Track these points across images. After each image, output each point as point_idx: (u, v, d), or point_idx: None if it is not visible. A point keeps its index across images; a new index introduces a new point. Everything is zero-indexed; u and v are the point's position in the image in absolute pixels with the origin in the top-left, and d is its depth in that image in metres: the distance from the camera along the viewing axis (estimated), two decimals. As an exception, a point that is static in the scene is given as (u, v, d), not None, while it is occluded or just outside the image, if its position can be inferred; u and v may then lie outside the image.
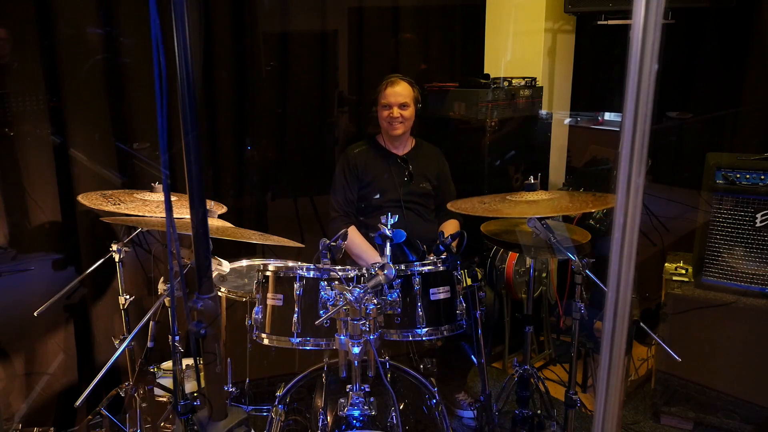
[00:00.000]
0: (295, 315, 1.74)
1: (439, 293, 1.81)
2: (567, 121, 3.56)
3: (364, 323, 1.57)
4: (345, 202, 2.65)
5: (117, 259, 2.09)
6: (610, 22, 2.97)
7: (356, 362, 1.60)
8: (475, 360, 2.09)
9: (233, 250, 2.60)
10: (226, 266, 1.98)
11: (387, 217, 1.81)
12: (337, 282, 1.70)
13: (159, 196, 2.06)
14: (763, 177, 2.32)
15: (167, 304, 1.81)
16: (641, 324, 1.96)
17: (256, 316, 1.83)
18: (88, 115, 2.44)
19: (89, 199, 1.98)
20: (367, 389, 1.67)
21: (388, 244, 1.76)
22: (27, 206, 2.37)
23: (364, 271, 1.75)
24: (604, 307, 0.68)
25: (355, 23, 3.16)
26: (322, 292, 1.73)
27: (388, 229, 1.77)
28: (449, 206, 2.08)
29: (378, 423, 1.65)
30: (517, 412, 2.29)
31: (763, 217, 2.34)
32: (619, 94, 0.63)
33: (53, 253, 2.45)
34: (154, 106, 0.94)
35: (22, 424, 2.34)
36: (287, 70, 2.99)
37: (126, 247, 2.10)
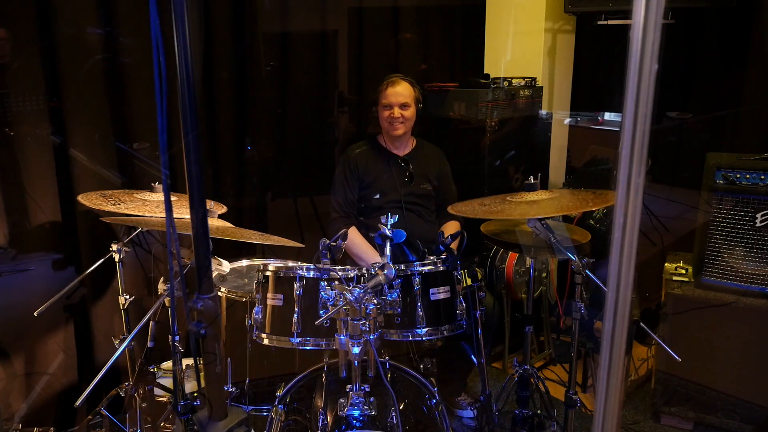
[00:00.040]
0: (295, 315, 1.74)
1: (439, 293, 1.81)
2: (567, 121, 3.56)
3: (364, 323, 1.57)
4: (345, 202, 2.65)
5: (117, 259, 2.08)
6: (610, 22, 2.97)
7: (356, 362, 1.60)
8: (475, 360, 2.09)
9: (233, 250, 2.60)
10: (226, 266, 1.98)
11: (387, 217, 1.81)
12: (337, 282, 1.70)
13: (159, 196, 2.06)
14: (763, 177, 2.32)
15: (167, 304, 1.81)
16: (641, 324, 1.96)
17: (256, 316, 1.83)
18: (88, 115, 2.44)
19: (89, 199, 1.98)
20: (367, 389, 1.67)
21: (388, 244, 1.76)
22: (27, 206, 2.37)
23: (364, 271, 1.75)
24: (604, 307, 0.68)
25: (355, 23, 3.16)
26: (322, 292, 1.73)
27: (388, 229, 1.77)
28: (450, 210, 2.07)
29: (378, 423, 1.65)
30: (517, 412, 2.29)
31: (763, 217, 2.34)
32: (619, 94, 0.63)
33: (53, 253, 2.45)
34: (154, 106, 0.94)
35: (22, 424, 2.34)
36: (287, 70, 2.99)
37: (126, 247, 2.10)
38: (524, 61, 3.41)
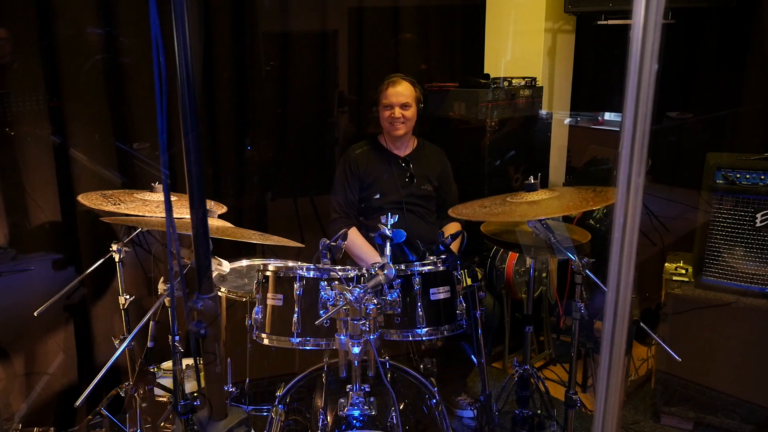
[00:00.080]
0: (295, 315, 1.74)
1: (439, 293, 1.81)
2: (567, 121, 3.56)
3: (364, 323, 1.57)
4: (346, 203, 2.64)
5: (117, 259, 2.09)
6: (610, 22, 2.97)
7: (356, 362, 1.60)
8: (475, 360, 2.09)
9: (233, 250, 2.60)
10: (226, 266, 1.98)
11: (387, 217, 1.81)
12: (337, 282, 1.70)
13: (159, 196, 2.06)
14: (763, 177, 2.32)
15: (167, 304, 1.81)
16: (641, 324, 1.96)
17: (256, 316, 1.83)
18: (88, 115, 2.44)
19: (89, 199, 1.99)
20: (367, 389, 1.68)
21: (388, 244, 1.76)
22: (27, 206, 2.37)
23: (364, 271, 1.75)
24: (604, 307, 0.68)
25: (355, 23, 3.16)
26: (322, 292, 1.73)
27: (388, 229, 1.77)
28: (450, 213, 2.07)
29: (378, 423, 1.65)
30: (517, 412, 2.29)
31: (763, 217, 2.34)
32: (619, 94, 0.63)
33: (53, 253, 2.45)
34: (154, 106, 0.94)
35: (22, 424, 2.34)
36: (287, 70, 2.99)
37: (126, 247, 2.10)
38: (524, 61, 3.41)
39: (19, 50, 2.28)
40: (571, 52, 3.50)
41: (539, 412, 2.32)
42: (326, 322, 1.65)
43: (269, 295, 1.81)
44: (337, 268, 1.77)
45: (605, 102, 3.47)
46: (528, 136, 3.29)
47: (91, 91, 2.43)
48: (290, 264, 2.06)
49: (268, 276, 1.83)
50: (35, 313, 2.02)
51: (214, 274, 2.01)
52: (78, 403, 1.65)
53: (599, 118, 3.54)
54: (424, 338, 1.82)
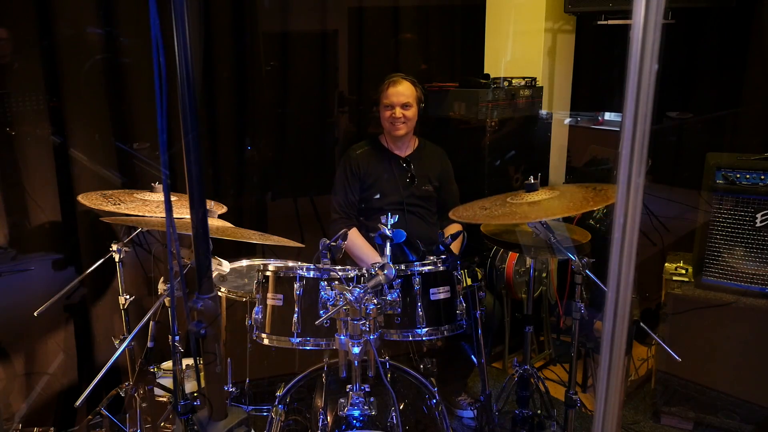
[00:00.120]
0: (295, 315, 1.74)
1: (439, 293, 1.81)
2: (567, 121, 3.56)
3: (364, 323, 1.57)
4: (346, 203, 2.64)
5: (117, 259, 2.09)
6: (610, 22, 2.97)
7: (356, 362, 1.60)
8: (475, 360, 2.09)
9: (233, 250, 2.60)
10: (226, 266, 1.98)
11: (387, 217, 1.81)
12: (337, 282, 1.70)
13: (159, 196, 2.06)
14: (763, 177, 2.32)
15: (167, 304, 1.81)
16: (641, 324, 1.96)
17: (256, 316, 1.83)
18: (88, 115, 2.44)
19: (89, 199, 1.99)
20: (367, 389, 1.67)
21: (388, 244, 1.76)
22: (27, 206, 2.37)
23: (364, 271, 1.75)
24: (604, 307, 0.68)
25: (355, 23, 3.16)
26: (322, 292, 1.73)
27: (388, 229, 1.77)
28: (451, 215, 2.07)
29: (378, 423, 1.65)
30: (517, 412, 2.29)
31: (763, 217, 2.34)
32: (619, 94, 0.63)
33: (53, 253, 2.45)
34: (154, 106, 0.94)
35: (22, 424, 2.34)
36: (287, 70, 2.99)
37: (126, 247, 2.10)
38: (524, 61, 3.41)
39: (19, 50, 2.28)
40: (571, 52, 3.50)
41: (539, 412, 2.32)
42: (326, 322, 1.65)
43: (269, 295, 1.81)
44: (337, 268, 1.77)
45: (605, 102, 3.47)
46: (528, 136, 3.29)
47: (91, 91, 2.43)
48: (290, 264, 2.06)
49: (268, 276, 1.83)
50: (35, 313, 2.02)
51: (214, 274, 2.01)
52: (78, 403, 1.65)
53: (599, 118, 3.54)
54: (424, 338, 1.82)
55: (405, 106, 2.57)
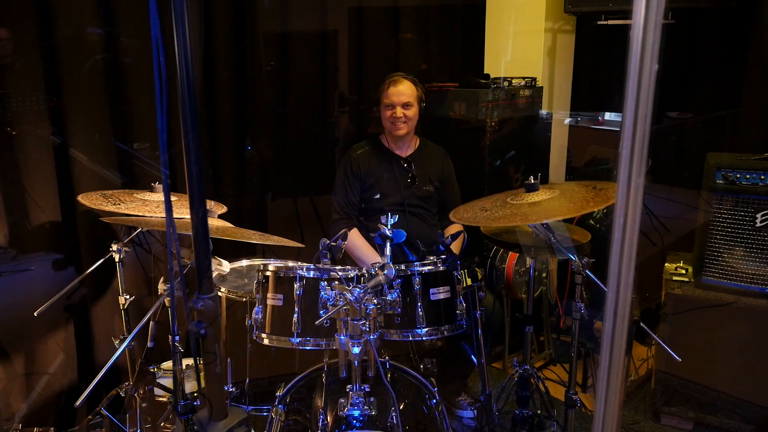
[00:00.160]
0: (295, 315, 1.74)
1: (439, 293, 1.81)
2: (567, 121, 3.56)
3: (364, 323, 1.57)
4: (347, 204, 2.63)
5: (117, 259, 2.09)
6: (610, 22, 2.97)
7: (356, 362, 1.60)
8: (475, 360, 2.09)
9: (233, 250, 2.60)
10: (226, 266, 1.98)
11: (387, 217, 1.81)
12: (337, 282, 1.70)
13: (159, 196, 2.06)
14: (763, 177, 2.32)
15: (167, 304, 1.81)
16: (641, 324, 1.96)
17: (256, 316, 1.83)
18: (88, 115, 2.44)
19: (89, 199, 1.99)
20: (367, 389, 1.67)
21: (388, 244, 1.76)
22: (27, 206, 2.37)
23: (364, 271, 1.75)
24: (604, 307, 0.68)
25: (355, 23, 3.16)
26: (322, 292, 1.73)
27: (388, 229, 1.77)
28: (451, 217, 2.06)
29: (378, 423, 1.65)
30: (517, 412, 2.29)
31: (763, 217, 2.34)
32: (619, 94, 0.63)
33: (53, 253, 2.45)
34: (154, 106, 0.94)
35: (22, 424, 2.34)
36: (287, 70, 2.99)
37: (126, 247, 2.10)
38: (524, 61, 3.41)
39: (20, 50, 2.28)
40: (571, 52, 3.50)
41: (539, 412, 2.32)
42: (326, 322, 1.65)
43: (269, 295, 1.81)
44: (337, 268, 1.77)
45: (605, 102, 3.47)
46: (528, 136, 3.29)
47: (91, 91, 2.43)
48: (290, 264, 2.06)
49: (268, 276, 1.83)
50: (35, 313, 2.02)
51: (214, 274, 2.01)
52: (78, 403, 1.65)
53: (599, 118, 3.54)
54: (424, 338, 1.82)
55: (406, 105, 2.57)
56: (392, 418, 1.68)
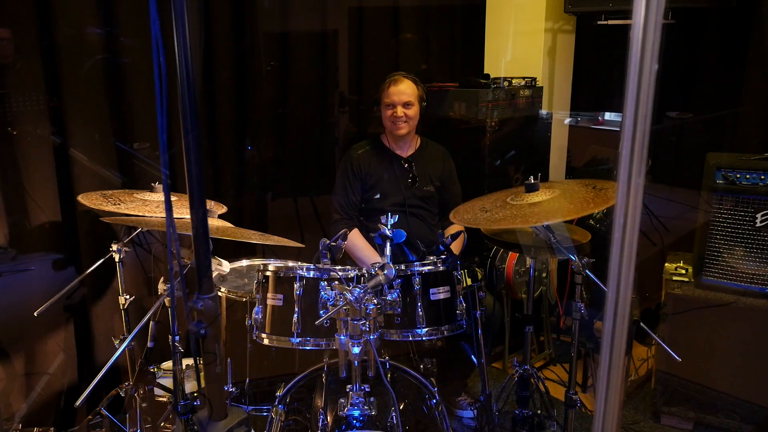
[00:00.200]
0: (295, 315, 1.74)
1: (439, 293, 1.81)
2: (567, 121, 3.56)
3: (364, 323, 1.57)
4: (347, 204, 2.63)
5: (117, 259, 2.09)
6: (610, 22, 2.97)
7: (356, 362, 1.60)
8: (475, 360, 2.09)
9: (233, 250, 2.60)
10: (226, 266, 1.98)
11: (387, 217, 1.81)
12: (337, 282, 1.70)
13: (159, 196, 2.06)
14: (763, 177, 2.32)
15: (167, 304, 1.81)
16: (641, 324, 1.96)
17: (256, 316, 1.83)
18: (88, 115, 2.44)
19: (89, 199, 1.99)
20: (367, 389, 1.68)
21: (388, 244, 1.76)
22: (27, 206, 2.37)
23: (364, 271, 1.75)
24: (604, 307, 0.68)
25: (355, 23, 3.16)
26: (322, 292, 1.73)
27: (388, 229, 1.77)
28: (451, 217, 2.06)
29: (378, 423, 1.65)
30: (517, 412, 2.29)
31: (763, 217, 2.34)
32: (619, 94, 0.63)
33: (53, 253, 2.45)
34: (154, 106, 0.94)
35: (22, 424, 2.34)
36: (287, 70, 2.99)
37: (126, 247, 2.10)
38: (524, 61, 3.41)
39: (20, 50, 2.28)
40: (571, 52, 3.50)
41: (539, 412, 2.32)
42: (326, 322, 1.65)
43: (269, 295, 1.81)
44: (337, 268, 1.77)
45: (605, 102, 3.47)
46: (528, 136, 3.29)
47: (91, 91, 2.43)
48: (290, 264, 2.06)
49: (268, 276, 1.83)
50: (35, 313, 2.02)
51: (214, 274, 2.01)
52: (78, 403, 1.65)
53: (599, 118, 3.54)
54: (424, 338, 1.82)
55: (406, 105, 2.56)
56: (392, 418, 1.68)
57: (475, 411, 2.41)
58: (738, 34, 2.91)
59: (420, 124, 2.68)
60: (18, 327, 2.37)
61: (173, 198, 2.05)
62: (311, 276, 1.76)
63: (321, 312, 1.72)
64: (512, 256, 2.82)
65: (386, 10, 3.22)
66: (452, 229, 2.70)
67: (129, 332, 2.06)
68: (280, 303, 1.78)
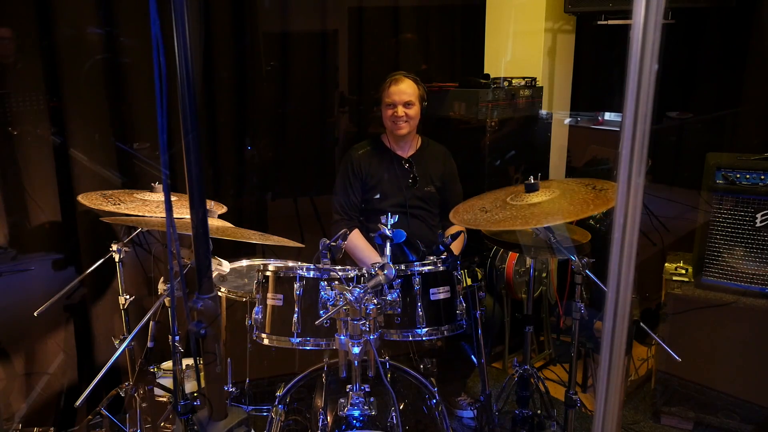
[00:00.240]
0: (295, 315, 1.74)
1: (439, 293, 1.81)
2: (567, 121, 3.56)
3: (364, 323, 1.57)
4: (348, 205, 2.62)
5: (117, 259, 2.09)
6: (610, 22, 2.97)
7: (356, 362, 1.60)
8: (475, 360, 2.09)
9: (233, 250, 2.60)
10: (226, 266, 1.98)
11: (387, 217, 1.81)
12: (337, 282, 1.70)
13: (159, 196, 2.06)
14: (763, 177, 2.32)
15: (167, 304, 1.81)
16: (641, 324, 1.96)
17: (256, 316, 1.83)
18: (88, 115, 2.44)
19: (89, 199, 1.99)
20: (367, 389, 1.68)
21: (388, 244, 1.76)
22: (27, 206, 2.37)
23: (364, 271, 1.75)
24: (604, 307, 0.68)
25: (355, 23, 3.16)
26: (322, 292, 1.73)
27: (388, 229, 1.77)
28: (451, 217, 2.06)
29: (378, 423, 1.65)
30: (517, 412, 2.29)
31: (763, 217, 2.34)
32: (619, 94, 0.63)
33: (53, 253, 2.45)
34: (154, 106, 0.94)
35: (22, 424, 2.34)
36: (287, 70, 2.99)
37: (126, 247, 2.10)
38: (524, 61, 3.41)
39: (20, 50, 2.28)
40: (571, 52, 3.50)
41: (539, 412, 2.32)
42: (326, 322, 1.65)
43: (269, 295, 1.81)
44: (337, 268, 1.77)
45: (605, 102, 3.47)
46: (528, 136, 3.29)
47: (91, 91, 2.43)
48: (290, 264, 2.06)
49: (268, 276, 1.83)
50: (35, 313, 2.02)
51: (214, 274, 2.01)
52: (78, 403, 1.65)
53: (599, 118, 3.54)
54: (424, 338, 1.82)
55: (407, 104, 2.55)
56: (392, 418, 1.68)
57: (475, 411, 2.42)
58: (738, 34, 2.91)
59: (421, 124, 2.68)
60: (18, 327, 2.37)
61: (173, 198, 2.05)
62: (311, 276, 1.76)
63: (321, 312, 1.72)
64: (512, 256, 2.82)
65: (386, 10, 3.22)
66: (453, 230, 2.70)
67: (129, 332, 2.06)
68: (280, 303, 1.78)
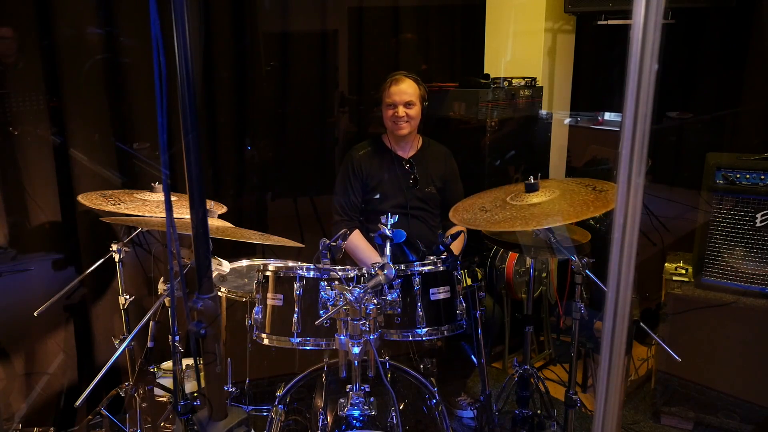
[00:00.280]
0: (295, 315, 1.74)
1: (439, 293, 1.81)
2: (567, 121, 3.56)
3: (364, 323, 1.57)
4: (348, 205, 2.61)
5: (117, 259, 2.09)
6: (610, 22, 2.97)
7: (356, 362, 1.60)
8: (475, 360, 2.09)
9: (233, 250, 2.60)
10: (226, 266, 1.98)
11: (387, 217, 1.81)
12: (337, 282, 1.70)
13: (159, 196, 2.06)
14: (763, 177, 2.32)
15: (167, 304, 1.81)
16: (641, 324, 1.96)
17: (256, 316, 1.83)
18: (88, 115, 2.44)
19: (89, 199, 1.99)
20: (367, 389, 1.68)
21: (388, 244, 1.76)
22: (27, 206, 2.37)
23: (364, 271, 1.75)
24: (604, 307, 0.68)
25: (355, 23, 3.16)
26: (322, 292, 1.73)
27: (388, 229, 1.77)
28: (451, 216, 2.05)
29: (378, 423, 1.65)
30: (517, 412, 2.29)
31: (763, 217, 2.34)
32: (619, 94, 0.63)
33: (53, 253, 2.45)
34: (154, 106, 0.94)
35: (22, 424, 2.34)
36: (287, 70, 2.99)
37: (126, 247, 2.10)
38: (524, 61, 3.41)
39: (20, 50, 2.29)
40: (571, 52, 3.50)
41: (539, 412, 2.32)
42: (326, 322, 1.65)
43: (269, 295, 1.81)
44: (337, 268, 1.77)
45: (605, 102, 3.47)
46: (528, 136, 3.29)
47: (91, 91, 2.43)
48: (290, 264, 2.06)
49: (268, 276, 1.83)
50: (35, 313, 2.02)
51: (214, 274, 2.01)
52: (78, 403, 1.65)
53: (599, 118, 3.54)
54: (424, 338, 1.82)
55: (408, 104, 2.54)
56: (392, 418, 1.68)
57: (475, 411, 2.41)
58: (738, 34, 2.91)
59: (421, 124, 2.68)
60: (18, 327, 2.37)
61: (173, 198, 2.05)
62: (311, 276, 1.76)
63: (321, 312, 1.72)
64: (512, 256, 2.82)
65: (386, 10, 3.22)
66: (454, 230, 2.70)
67: (129, 332, 2.06)
68: (280, 303, 1.78)
